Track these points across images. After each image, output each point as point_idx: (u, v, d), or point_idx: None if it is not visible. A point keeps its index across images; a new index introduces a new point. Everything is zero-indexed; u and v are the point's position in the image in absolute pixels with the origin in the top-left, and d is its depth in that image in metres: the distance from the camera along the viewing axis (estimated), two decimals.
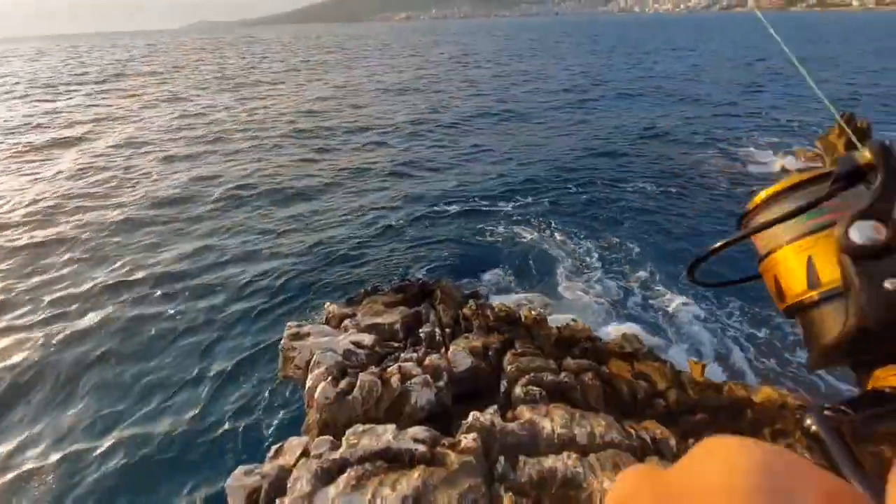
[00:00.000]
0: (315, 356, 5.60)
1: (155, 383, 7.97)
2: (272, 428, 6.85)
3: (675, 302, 10.95)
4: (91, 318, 9.74)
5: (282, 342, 6.02)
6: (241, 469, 3.56)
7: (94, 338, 9.16)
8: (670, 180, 18.32)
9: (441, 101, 34.35)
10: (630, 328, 9.78)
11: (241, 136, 25.39)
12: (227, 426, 6.92)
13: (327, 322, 7.14)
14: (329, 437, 4.13)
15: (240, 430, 6.81)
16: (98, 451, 6.73)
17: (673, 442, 4.67)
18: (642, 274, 11.94)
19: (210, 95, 39.16)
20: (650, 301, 11.06)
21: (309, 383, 5.40)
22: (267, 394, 7.41)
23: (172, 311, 9.99)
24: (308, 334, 6.27)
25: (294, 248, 12.83)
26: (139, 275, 11.28)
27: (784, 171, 19.00)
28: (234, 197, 16.62)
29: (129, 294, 10.57)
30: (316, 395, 5.02)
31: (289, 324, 6.39)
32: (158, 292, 10.67)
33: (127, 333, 9.28)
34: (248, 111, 31.69)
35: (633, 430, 4.74)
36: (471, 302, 9.38)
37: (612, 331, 9.82)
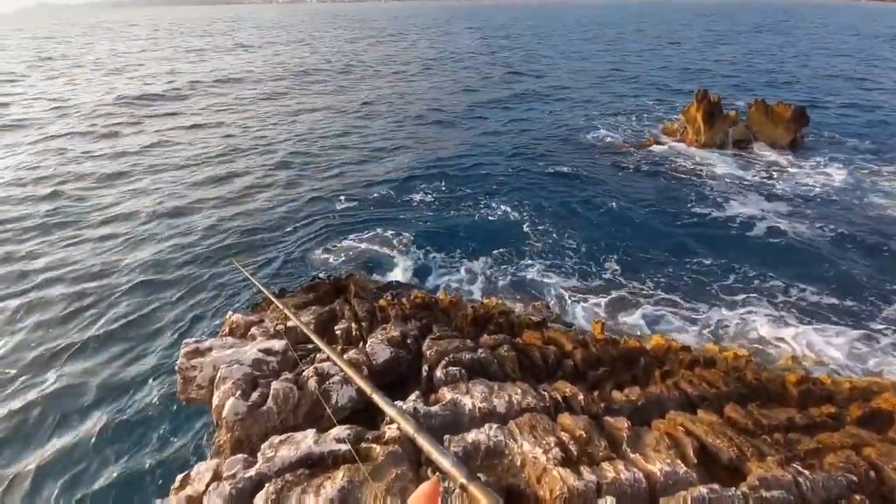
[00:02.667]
0: (220, 371, 5.18)
1: (39, 420, 6.87)
2: (178, 458, 6.23)
3: (573, 274, 11.85)
4: None
5: (178, 362, 5.47)
6: None
7: None
8: (566, 162, 19.63)
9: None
10: (536, 301, 10.41)
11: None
12: (126, 465, 6.16)
13: (231, 333, 6.61)
14: (242, 455, 3.87)
15: (143, 466, 6.10)
16: None
17: (581, 397, 5.08)
18: (542, 258, 12.72)
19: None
20: (545, 273, 11.82)
21: (216, 402, 4.98)
22: (167, 423, 6.71)
23: (57, 338, 8.63)
24: (209, 349, 5.77)
25: (178, 252, 11.67)
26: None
27: (657, 142, 21.30)
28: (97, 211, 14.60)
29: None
30: (224, 413, 4.66)
31: (185, 341, 5.82)
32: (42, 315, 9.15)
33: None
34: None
35: (545, 393, 5.06)
36: (387, 294, 9.33)
37: (520, 304, 10.39)
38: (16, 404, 7.25)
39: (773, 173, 17.86)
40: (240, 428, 4.62)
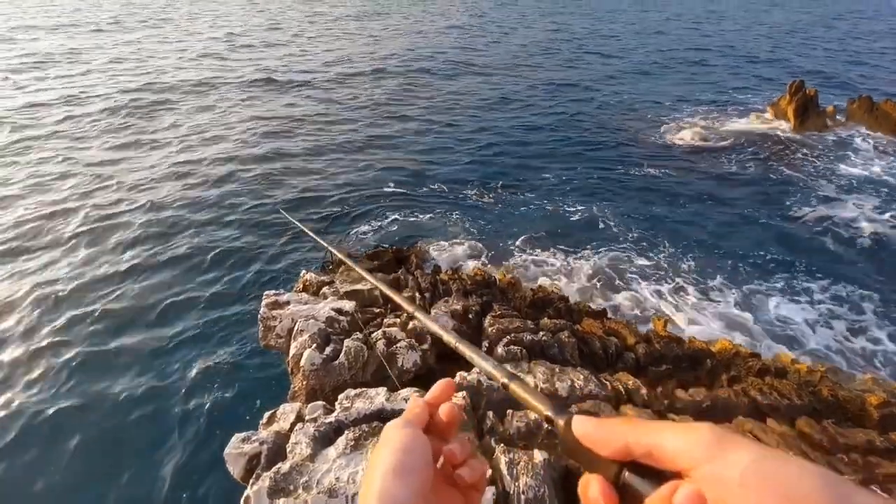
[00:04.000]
0: (297, 324, 5.57)
1: (136, 355, 7.77)
2: (257, 396, 6.85)
3: (635, 265, 11.46)
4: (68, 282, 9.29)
5: (261, 311, 5.92)
6: (237, 437, 3.57)
7: (70, 305, 8.77)
8: (629, 150, 18.75)
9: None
10: (597, 291, 10.23)
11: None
12: (212, 396, 6.86)
13: (304, 290, 7.05)
14: (322, 402, 4.19)
15: (227, 399, 6.78)
16: (81, 421, 6.59)
17: (644, 391, 5.04)
18: (612, 247, 12.30)
19: None
20: (615, 268, 11.48)
21: (293, 351, 5.39)
22: (248, 363, 7.35)
23: (146, 283, 9.61)
24: (287, 303, 6.20)
25: (261, 216, 12.42)
26: (110, 242, 10.71)
27: (742, 134, 19.83)
28: (193, 171, 15.71)
29: (102, 264, 10.04)
30: (302, 363, 5.04)
31: (266, 293, 6.27)
32: (128, 262, 10.20)
33: (102, 305, 8.89)
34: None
35: (607, 382, 5.07)
36: (447, 267, 9.52)
37: (580, 293, 10.26)
38: (111, 338, 8.18)
39: (877, 169, 16.09)
40: (314, 378, 5.00)
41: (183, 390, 7.15)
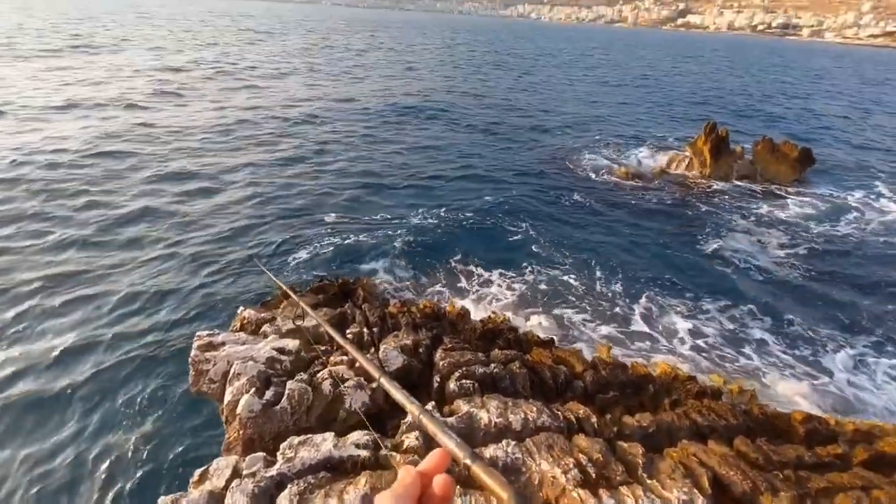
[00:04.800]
0: (234, 366, 5.16)
1: (40, 405, 6.77)
2: (186, 451, 6.14)
3: (577, 294, 11.90)
4: None
5: (192, 354, 5.44)
6: (163, 500, 3.15)
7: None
8: (560, 181, 19.81)
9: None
10: (542, 318, 10.44)
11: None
12: (135, 453, 6.05)
13: (242, 329, 6.59)
14: (261, 454, 3.84)
15: (151, 455, 6.00)
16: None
17: (594, 419, 5.09)
18: (543, 271, 12.76)
19: None
20: (554, 292, 11.86)
21: (228, 397, 4.96)
22: (176, 413, 6.62)
23: (67, 322, 8.52)
24: (222, 343, 5.75)
25: (188, 249, 11.61)
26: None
27: (663, 172, 21.57)
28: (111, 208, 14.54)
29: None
30: (238, 410, 4.63)
31: (198, 333, 5.79)
32: (45, 304, 9.03)
33: (19, 357, 7.73)
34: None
35: (559, 413, 5.08)
36: (395, 300, 9.33)
37: (526, 321, 10.42)
38: (22, 387, 7.14)
39: (774, 210, 18.13)
40: (253, 426, 4.60)
41: (100, 445, 6.29)
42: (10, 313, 8.82)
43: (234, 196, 15.26)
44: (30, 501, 5.73)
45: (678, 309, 11.44)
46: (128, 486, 5.78)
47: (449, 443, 0.86)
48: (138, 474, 5.84)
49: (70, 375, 7.50)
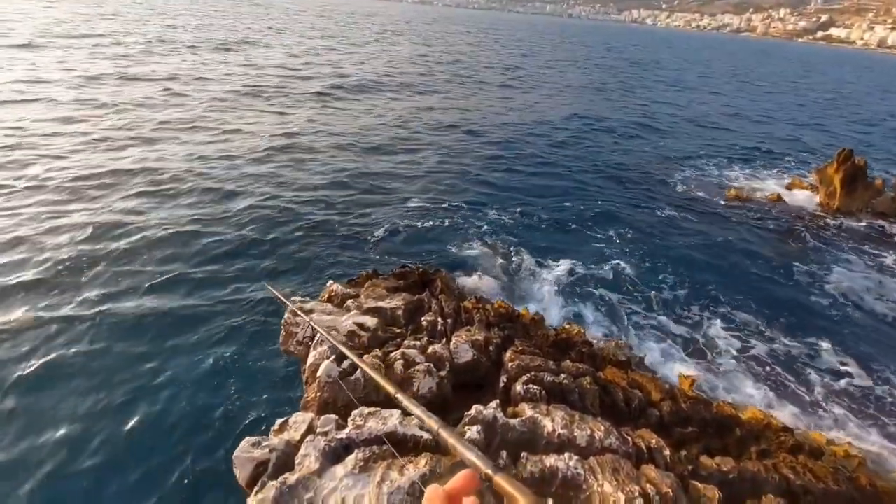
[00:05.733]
0: (318, 334, 5.55)
1: (152, 353, 7.84)
2: (268, 401, 6.80)
3: (660, 316, 11.13)
4: (84, 286, 9.51)
5: (284, 316, 5.95)
6: (248, 441, 3.52)
7: (89, 305, 8.96)
8: (676, 201, 18.52)
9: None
10: (619, 335, 9.93)
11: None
12: (224, 397, 6.84)
13: (329, 301, 7.07)
14: (334, 416, 4.11)
15: (238, 401, 6.74)
16: (99, 425, 6.59)
17: (667, 452, 4.76)
18: (631, 290, 12.08)
19: None
20: (641, 314, 11.19)
21: (311, 360, 5.36)
22: (264, 367, 7.34)
23: (170, 279, 9.82)
24: (311, 311, 6.22)
25: (295, 225, 12.68)
26: (125, 242, 11.01)
27: (779, 198, 19.35)
28: (230, 170, 16.31)
29: (119, 261, 10.33)
30: (318, 373, 4.99)
31: (293, 298, 6.31)
32: (153, 260, 10.45)
33: (120, 302, 9.08)
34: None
35: (629, 437, 4.81)
36: (471, 296, 9.42)
37: (603, 338, 9.96)
38: (140, 335, 8.29)
39: None
40: (329, 390, 4.93)
41: (196, 386, 7.16)
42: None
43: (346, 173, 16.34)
44: (129, 433, 6.62)
45: (771, 350, 10.28)
46: (216, 424, 6.51)
47: (469, 454, 0.85)
48: (227, 416, 6.57)
49: (183, 327, 8.58)
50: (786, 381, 9.52)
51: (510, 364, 5.88)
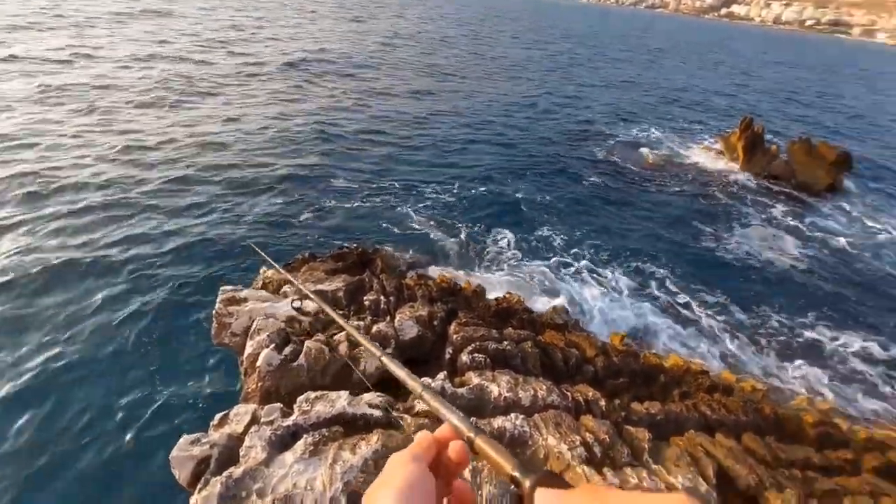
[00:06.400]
0: (255, 322, 5.31)
1: (78, 353, 7.09)
2: (204, 398, 6.42)
3: (596, 281, 11.85)
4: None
5: (216, 307, 5.61)
6: (185, 439, 3.32)
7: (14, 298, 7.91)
8: (599, 168, 19.46)
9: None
10: (559, 302, 10.44)
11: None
12: (158, 395, 6.37)
13: (264, 287, 6.76)
14: (279, 405, 3.98)
15: (173, 399, 6.30)
16: (17, 427, 5.90)
17: (602, 402, 5.13)
18: (564, 255, 12.73)
19: None
20: (574, 278, 11.84)
21: (249, 350, 5.12)
22: (198, 361, 6.90)
23: (96, 273, 8.86)
24: (245, 300, 5.91)
25: (220, 212, 11.86)
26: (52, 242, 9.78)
27: (691, 164, 21.01)
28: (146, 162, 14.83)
29: (44, 263, 9.16)
30: (258, 363, 4.79)
31: (223, 288, 5.96)
32: (80, 253, 9.37)
33: (46, 301, 8.09)
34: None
35: (568, 393, 5.13)
36: (412, 272, 9.42)
37: (542, 304, 10.44)
38: (60, 349, 7.47)
39: (793, 213, 17.53)
40: (271, 378, 4.76)
41: (126, 387, 6.61)
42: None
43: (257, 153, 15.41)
44: (56, 444, 6.05)
45: (684, 301, 11.39)
46: (148, 427, 6.08)
47: (452, 417, 0.85)
48: (159, 416, 6.14)
49: (93, 320, 7.83)
50: (701, 327, 10.58)
51: (455, 336, 5.99)
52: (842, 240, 15.84)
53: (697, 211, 16.54)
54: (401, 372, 1.25)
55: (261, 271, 7.11)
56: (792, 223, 16.63)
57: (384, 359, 1.49)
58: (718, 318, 10.99)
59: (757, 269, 13.33)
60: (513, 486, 0.68)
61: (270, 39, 37.07)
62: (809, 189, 19.64)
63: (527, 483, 0.62)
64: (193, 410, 6.25)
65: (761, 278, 12.92)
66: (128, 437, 6.02)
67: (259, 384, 4.72)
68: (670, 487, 3.73)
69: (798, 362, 9.89)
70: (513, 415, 4.32)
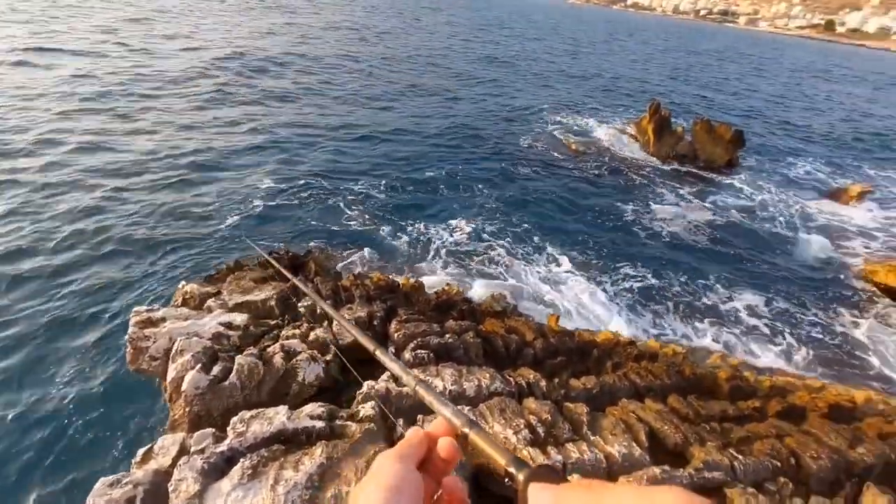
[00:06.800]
0: (177, 343, 4.90)
1: None
2: (123, 432, 5.82)
3: (525, 264, 12.30)
4: None
5: (129, 331, 5.11)
6: (103, 482, 2.99)
7: None
8: (526, 156, 20.08)
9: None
10: (496, 289, 10.69)
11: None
12: (71, 434, 5.66)
13: (184, 304, 6.25)
14: (210, 430, 3.72)
15: (88, 437, 5.63)
16: None
17: (543, 383, 5.33)
18: (495, 242, 13.07)
19: None
20: (507, 263, 12.19)
21: (172, 374, 4.72)
22: (114, 392, 6.23)
23: None
24: (163, 319, 5.43)
25: (131, 223, 10.77)
26: None
27: (607, 148, 22.32)
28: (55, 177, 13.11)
29: None
30: (184, 387, 4.43)
31: (135, 309, 5.44)
32: None
33: None
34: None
35: (511, 378, 5.27)
36: (347, 273, 9.19)
37: (482, 292, 10.64)
38: None
39: (697, 188, 19.36)
40: (199, 402, 4.43)
41: (35, 428, 5.84)
42: None
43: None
44: None
45: (607, 276, 12.21)
46: (63, 470, 5.43)
47: (445, 411, 0.84)
48: (73, 458, 5.50)
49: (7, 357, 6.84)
50: (628, 299, 11.36)
51: (396, 335, 5.93)
52: (738, 210, 17.68)
53: (614, 188, 17.70)
54: (395, 366, 1.21)
55: (180, 286, 6.57)
56: (697, 198, 18.26)
57: (378, 353, 1.45)
58: (636, 288, 11.89)
59: (668, 243, 14.53)
60: (507, 480, 0.67)
61: (185, 38, 34.10)
62: (711, 166, 21.65)
63: (521, 477, 0.62)
64: (111, 448, 5.65)
65: (671, 249, 14.10)
66: (41, 483, 5.33)
67: (186, 409, 4.37)
68: (608, 456, 3.96)
69: (708, 321, 10.99)
70: (459, 407, 4.35)
